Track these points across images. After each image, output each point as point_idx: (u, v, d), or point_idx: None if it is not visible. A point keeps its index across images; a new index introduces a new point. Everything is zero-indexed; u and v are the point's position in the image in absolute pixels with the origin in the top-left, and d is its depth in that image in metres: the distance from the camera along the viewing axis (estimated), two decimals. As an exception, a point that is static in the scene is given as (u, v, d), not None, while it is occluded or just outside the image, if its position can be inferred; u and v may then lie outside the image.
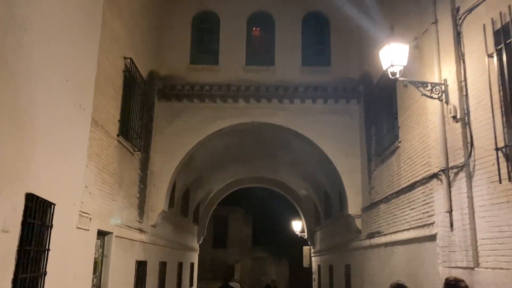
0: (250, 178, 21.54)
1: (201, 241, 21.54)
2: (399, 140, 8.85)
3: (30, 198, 4.83)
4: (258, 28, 13.30)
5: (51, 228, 5.48)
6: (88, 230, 7.28)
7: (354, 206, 11.80)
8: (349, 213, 11.82)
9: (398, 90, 9.07)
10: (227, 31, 12.78)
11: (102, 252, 8.52)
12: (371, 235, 10.70)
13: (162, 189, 11.93)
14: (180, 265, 16.43)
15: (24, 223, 4.70)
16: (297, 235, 36.96)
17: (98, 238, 8.17)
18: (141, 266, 10.91)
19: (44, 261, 5.37)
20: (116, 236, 8.85)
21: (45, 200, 5.29)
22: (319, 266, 19.30)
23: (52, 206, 5.54)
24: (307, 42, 12.83)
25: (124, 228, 9.44)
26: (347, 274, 13.20)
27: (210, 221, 23.50)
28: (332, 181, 14.38)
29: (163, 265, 13.38)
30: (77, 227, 6.81)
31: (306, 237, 21.76)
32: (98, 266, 8.29)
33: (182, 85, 12.16)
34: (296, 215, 22.97)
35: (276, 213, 39.15)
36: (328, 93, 12.19)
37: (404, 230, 8.35)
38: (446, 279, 5.18)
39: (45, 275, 5.35)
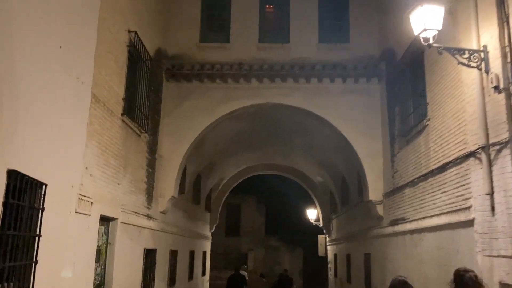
0: (263, 165, 20.87)
1: (213, 229, 21.02)
2: (427, 118, 8.07)
3: (13, 176, 4.22)
4: (271, 4, 12.52)
5: (42, 211, 4.88)
6: (89, 215, 6.69)
7: (375, 191, 11.08)
8: (369, 199, 11.10)
9: (426, 64, 8.27)
10: (239, 7, 12.03)
11: (107, 240, 7.96)
12: (394, 222, 9.98)
13: (171, 174, 11.32)
14: (192, 253, 15.91)
15: (5, 204, 4.09)
16: (311, 223, 36.33)
17: (101, 225, 7.60)
18: (150, 255, 10.36)
19: (35, 248, 4.78)
20: (121, 222, 8.27)
21: (34, 180, 4.69)
22: (335, 255, 18.66)
23: (44, 186, 4.93)
24: (324, 17, 12.03)
25: (131, 214, 8.87)
26: (367, 264, 12.53)
27: (222, 209, 22.97)
28: (350, 166, 13.65)
29: (173, 254, 12.84)
30: (76, 212, 6.22)
31: (321, 225, 21.09)
32: (102, 254, 7.73)
33: (192, 64, 11.47)
34: (311, 203, 22.29)
35: (289, 201, 38.55)
36: (347, 71, 11.40)
37: (433, 215, 7.61)
38: (456, 270, 4.60)
39: (36, 263, 4.77)
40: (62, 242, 5.74)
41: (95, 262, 7.27)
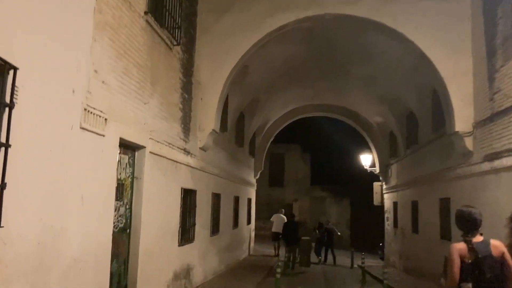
0: (311, 106, 18.77)
1: (258, 176, 19.42)
2: None
3: None
4: None
5: (11, 108, 3.14)
6: (103, 135, 4.98)
7: (462, 121, 8.85)
8: (455, 130, 8.91)
9: None
10: None
11: (132, 173, 6.32)
12: (493, 156, 7.82)
13: (211, 104, 9.51)
14: (237, 199, 14.37)
15: None
16: (360, 172, 34.13)
17: (124, 153, 5.94)
18: (189, 196, 8.77)
19: None
20: (151, 152, 6.59)
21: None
22: (394, 204, 16.68)
23: (13, 71, 3.16)
24: None
25: (164, 144, 7.18)
26: (445, 210, 10.48)
27: (266, 158, 21.33)
28: (423, 96, 11.43)
29: (216, 198, 11.27)
30: (82, 128, 4.51)
31: (377, 172, 19.02)
32: (126, 191, 6.12)
33: (233, -33, 9.36)
34: (365, 148, 20.09)
35: (337, 149, 36.51)
36: (429, -31, 8.96)
37: None
38: None
39: (3, 188, 3.09)
40: (59, 165, 4.06)
41: (116, 200, 5.66)
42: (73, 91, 4.34)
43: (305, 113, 19.39)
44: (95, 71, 4.81)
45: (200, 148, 9.45)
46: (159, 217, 7.01)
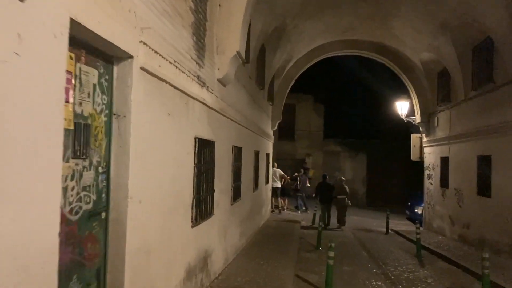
0: (341, 43, 15.51)
1: (276, 127, 16.43)
2: None
3: None
4: None
5: None
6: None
7: None
8: None
9: None
10: None
11: (109, 105, 3.33)
12: None
13: (235, 14, 6.39)
14: (257, 154, 11.48)
15: None
16: (382, 123, 31.24)
17: (90, 63, 2.92)
18: (205, 150, 5.83)
19: None
20: (143, 69, 3.57)
21: None
22: (443, 159, 13.80)
23: None
24: None
25: (167, 60, 4.14)
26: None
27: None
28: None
29: (238, 152, 8.36)
30: None
31: (417, 122, 15.99)
32: (97, 140, 3.15)
33: None
34: (400, 95, 16.95)
35: (353, 99, 33.46)
36: None
37: None
38: None
39: None
40: None
41: (74, 158, 2.73)
42: None
43: (332, 51, 16.12)
44: None
45: (218, 80, 6.41)
46: (160, 185, 4.09)
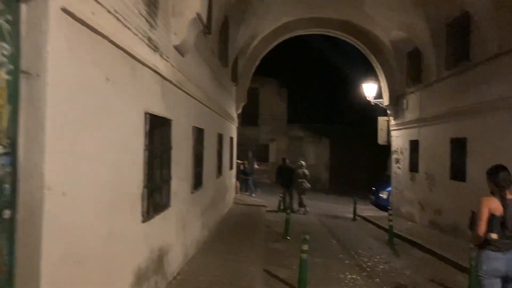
0: (308, 20, 14.65)
1: (240, 110, 15.51)
2: None
3: None
4: None
5: None
6: None
7: None
8: None
9: None
10: None
11: (15, 57, 2.32)
12: None
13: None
14: (220, 138, 10.55)
15: None
16: (346, 108, 30.85)
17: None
18: (159, 129, 4.87)
19: None
20: (65, 11, 2.58)
21: None
22: (413, 143, 13.35)
23: None
24: None
25: (105, 9, 3.14)
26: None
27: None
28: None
29: (199, 134, 7.42)
30: None
31: (384, 104, 15.49)
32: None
33: None
34: (369, 76, 16.35)
35: (318, 83, 32.91)
36: None
37: None
38: None
39: None
40: None
41: None
42: None
43: (299, 30, 15.29)
44: None
45: (175, 47, 5.43)
46: (96, 172, 3.13)
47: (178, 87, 5.65)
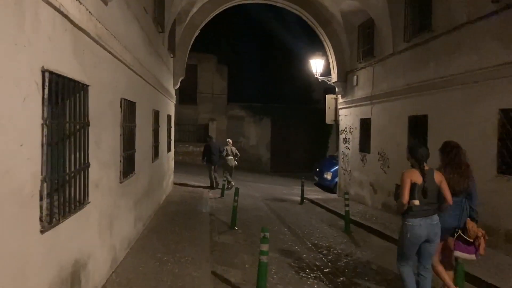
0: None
1: (178, 85, 13.98)
2: None
3: None
4: None
5: None
6: None
7: None
8: None
9: None
10: None
11: None
12: None
13: None
14: (156, 115, 9.11)
15: None
16: (287, 86, 29.92)
17: None
18: (67, 95, 3.46)
19: None
20: None
21: None
22: (363, 121, 12.64)
23: None
24: None
25: None
26: (503, 126, 6.49)
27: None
28: None
29: (130, 109, 5.99)
30: None
31: (333, 81, 14.65)
32: None
33: None
34: (316, 51, 15.42)
35: (259, 60, 31.69)
36: None
37: None
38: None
39: None
40: None
41: None
42: None
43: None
44: None
45: (94, -12, 3.99)
46: None
47: (99, 44, 4.22)
